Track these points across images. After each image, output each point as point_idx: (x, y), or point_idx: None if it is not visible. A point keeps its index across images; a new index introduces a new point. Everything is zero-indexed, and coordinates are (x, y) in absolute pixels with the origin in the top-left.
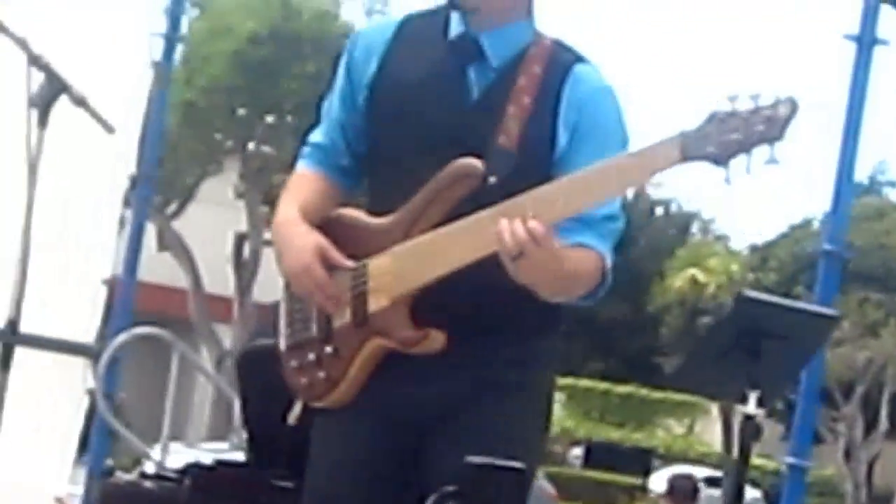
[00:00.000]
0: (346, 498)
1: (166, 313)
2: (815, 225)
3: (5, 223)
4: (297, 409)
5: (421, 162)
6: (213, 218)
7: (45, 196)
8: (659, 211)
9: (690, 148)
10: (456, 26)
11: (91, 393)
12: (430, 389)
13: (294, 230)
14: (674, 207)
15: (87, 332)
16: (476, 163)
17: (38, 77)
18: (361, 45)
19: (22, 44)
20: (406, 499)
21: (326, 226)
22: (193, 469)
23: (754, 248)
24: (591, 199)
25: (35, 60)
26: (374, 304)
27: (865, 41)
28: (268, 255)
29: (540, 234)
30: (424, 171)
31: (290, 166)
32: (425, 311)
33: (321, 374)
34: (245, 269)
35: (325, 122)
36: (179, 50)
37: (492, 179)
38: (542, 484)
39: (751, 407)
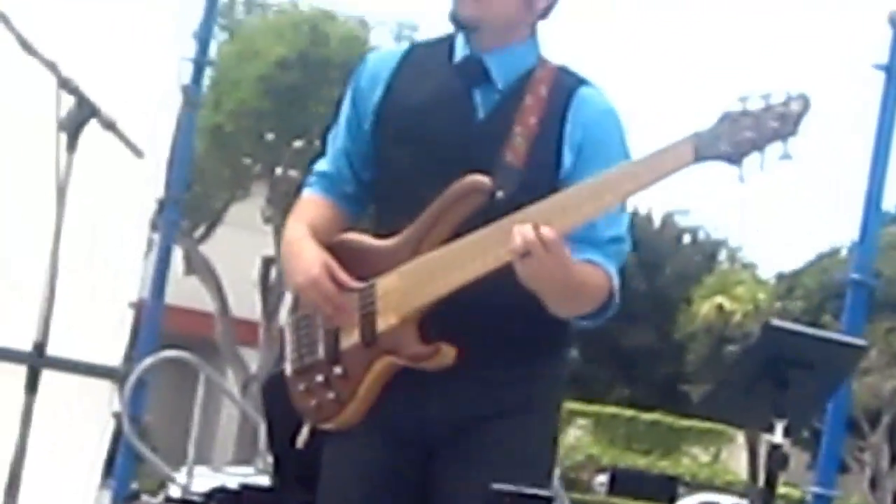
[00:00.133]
0: None
1: (193, 337)
2: (843, 253)
3: (34, 247)
4: (305, 432)
5: (428, 183)
6: (240, 242)
7: (73, 219)
8: (686, 238)
9: (704, 148)
10: (461, 50)
11: (117, 416)
12: (437, 409)
13: (303, 245)
14: (701, 235)
15: (113, 355)
16: (484, 179)
17: (68, 101)
18: (367, 74)
19: (52, 67)
20: None
21: (332, 250)
22: (219, 493)
23: (781, 277)
24: (604, 203)
25: (65, 84)
26: (383, 322)
27: (894, 70)
28: None
29: (549, 238)
30: (431, 192)
31: None
32: (434, 330)
33: (330, 395)
34: (272, 294)
35: (331, 151)
36: (208, 74)
37: (499, 195)
38: None
39: (777, 436)
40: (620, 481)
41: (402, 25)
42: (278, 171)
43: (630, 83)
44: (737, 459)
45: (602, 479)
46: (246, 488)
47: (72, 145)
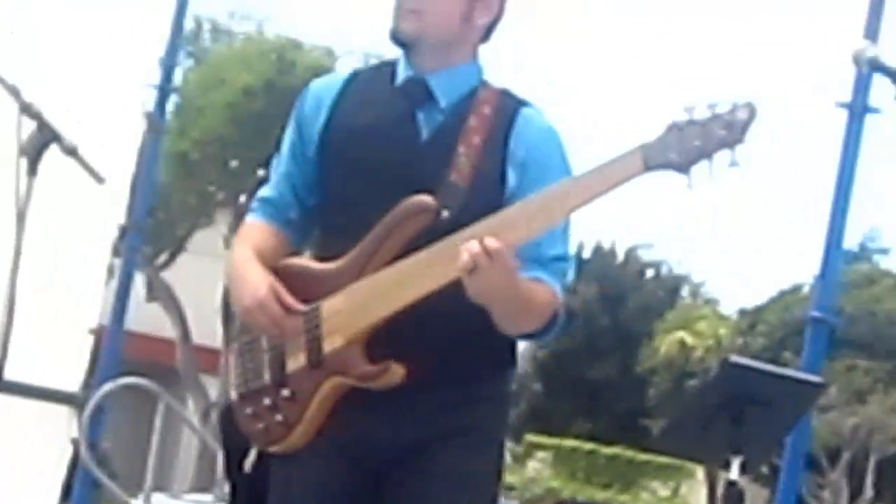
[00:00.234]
0: None
1: (155, 363)
2: (805, 290)
3: None
4: (252, 455)
5: (373, 206)
6: (203, 269)
7: (34, 244)
8: (649, 273)
9: (652, 158)
10: (403, 72)
11: (75, 442)
12: (385, 430)
13: (250, 267)
14: (664, 270)
15: (72, 380)
16: (429, 199)
17: (29, 125)
18: (310, 100)
19: (13, 92)
20: None
21: (277, 274)
22: None
23: (743, 313)
24: (553, 215)
25: (26, 108)
26: (329, 344)
27: (857, 109)
28: None
29: (494, 248)
30: (377, 215)
31: None
32: (381, 350)
33: (278, 418)
34: (234, 322)
35: (274, 177)
36: (173, 101)
37: (445, 214)
38: None
39: (733, 473)
40: None
41: (368, 55)
42: (242, 198)
43: (602, 95)
44: (696, 495)
45: None
46: None
47: (32, 170)
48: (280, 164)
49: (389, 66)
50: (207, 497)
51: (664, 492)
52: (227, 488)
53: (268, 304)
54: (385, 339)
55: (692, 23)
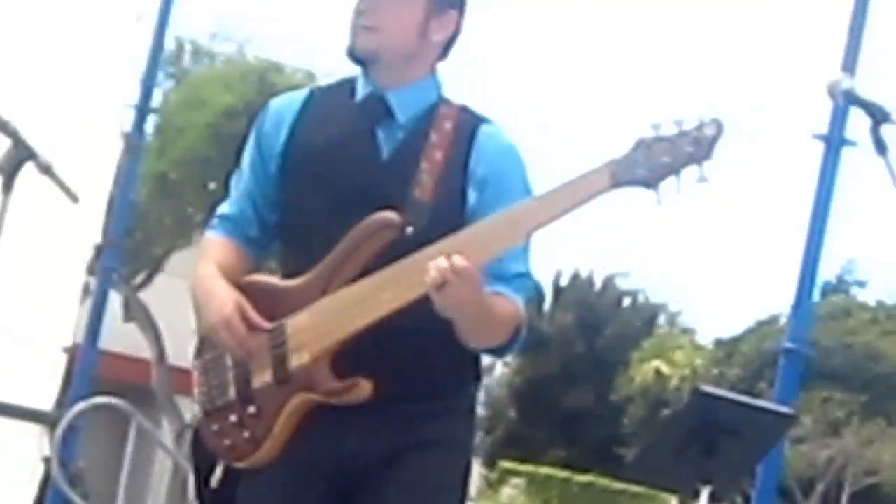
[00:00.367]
0: None
1: (131, 383)
2: (783, 321)
3: None
4: (218, 471)
5: (335, 223)
6: (180, 290)
7: (8, 261)
8: (626, 301)
9: (620, 174)
10: (362, 88)
11: (47, 461)
12: (352, 444)
13: (215, 284)
14: (641, 298)
15: (45, 399)
16: (393, 215)
17: (5, 142)
18: (271, 117)
19: None
20: None
21: (241, 291)
22: None
23: (720, 343)
24: (520, 231)
25: (2, 126)
26: (296, 360)
27: (834, 141)
28: None
29: (461, 266)
30: (339, 233)
31: None
32: (347, 365)
33: (245, 435)
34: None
35: (234, 194)
36: (154, 121)
37: (409, 230)
38: None
39: (703, 502)
40: None
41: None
42: None
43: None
44: None
45: None
46: None
47: (7, 187)
48: (240, 181)
49: (349, 83)
50: None
51: None
52: None
53: (233, 322)
54: (350, 354)
55: (667, 52)
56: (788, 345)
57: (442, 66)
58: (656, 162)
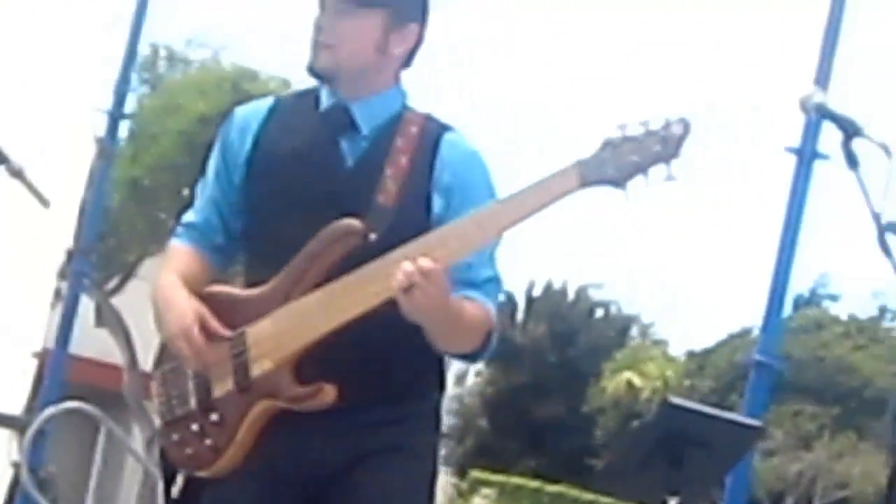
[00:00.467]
0: None
1: (102, 388)
2: (755, 334)
3: None
4: (179, 482)
5: (299, 230)
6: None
7: None
8: (599, 312)
9: (588, 174)
10: (326, 98)
11: (15, 465)
12: (316, 451)
13: (175, 293)
14: (614, 310)
15: (14, 403)
16: (355, 222)
17: None
18: (236, 126)
19: None
20: None
21: (202, 301)
22: None
23: (692, 355)
24: (488, 232)
25: None
26: (258, 368)
27: (806, 155)
28: None
29: (428, 267)
30: (302, 239)
31: None
32: (310, 372)
33: (207, 443)
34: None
35: (199, 202)
36: (127, 126)
37: (372, 236)
38: None
39: None
40: None
41: (322, 87)
42: None
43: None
44: None
45: None
46: None
47: None
48: (205, 189)
49: (313, 93)
50: None
51: None
52: None
53: (191, 332)
54: (314, 360)
55: (640, 62)
56: (759, 357)
57: (423, 70)
58: (624, 161)
